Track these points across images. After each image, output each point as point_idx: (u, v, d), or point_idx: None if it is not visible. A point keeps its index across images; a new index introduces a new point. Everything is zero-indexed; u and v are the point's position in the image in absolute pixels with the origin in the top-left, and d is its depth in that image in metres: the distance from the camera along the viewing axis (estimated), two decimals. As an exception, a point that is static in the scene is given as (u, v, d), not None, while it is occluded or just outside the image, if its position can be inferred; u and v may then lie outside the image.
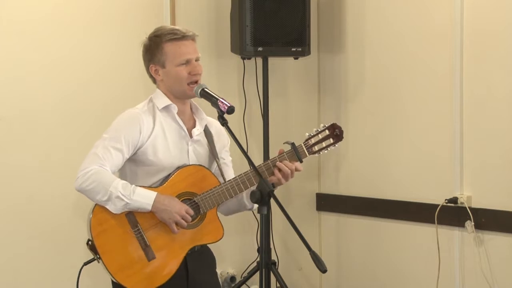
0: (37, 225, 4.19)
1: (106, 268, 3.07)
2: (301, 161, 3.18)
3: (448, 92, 4.33)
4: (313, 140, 3.19)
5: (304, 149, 3.17)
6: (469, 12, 4.22)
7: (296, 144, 3.17)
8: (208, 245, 3.29)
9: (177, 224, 3.08)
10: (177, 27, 3.24)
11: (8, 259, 4.13)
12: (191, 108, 3.29)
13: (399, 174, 4.65)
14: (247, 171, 3.12)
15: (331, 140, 3.21)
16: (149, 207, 3.07)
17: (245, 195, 3.22)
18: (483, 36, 4.18)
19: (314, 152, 3.20)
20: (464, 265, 4.31)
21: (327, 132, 3.21)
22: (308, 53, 4.69)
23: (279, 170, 3.13)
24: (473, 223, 4.19)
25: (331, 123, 3.23)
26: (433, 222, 4.33)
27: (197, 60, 3.20)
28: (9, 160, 4.13)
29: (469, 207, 4.21)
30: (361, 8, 4.84)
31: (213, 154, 3.25)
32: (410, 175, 4.59)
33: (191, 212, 3.10)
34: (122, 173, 3.22)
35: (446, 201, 4.29)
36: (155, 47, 3.20)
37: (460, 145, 4.28)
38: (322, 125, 3.22)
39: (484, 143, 4.19)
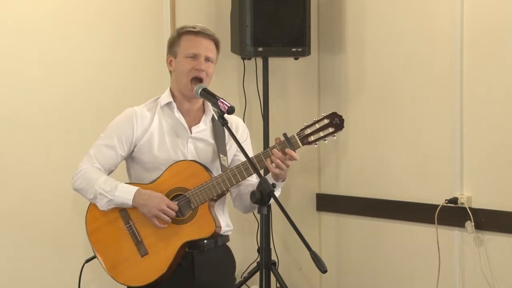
0: (36, 225, 4.19)
1: (101, 264, 3.14)
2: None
3: (448, 92, 4.33)
4: (308, 130, 3.07)
5: (297, 139, 3.07)
6: (469, 12, 4.22)
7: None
8: (226, 244, 3.30)
9: (159, 218, 3.09)
10: (200, 24, 3.27)
11: (7, 258, 4.13)
12: (203, 107, 3.30)
13: (399, 174, 4.65)
14: (239, 164, 3.12)
15: (330, 130, 3.08)
16: (130, 202, 3.11)
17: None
18: (483, 36, 4.18)
19: (310, 142, 3.08)
20: (464, 265, 4.31)
21: (325, 121, 3.08)
22: (308, 53, 4.69)
23: (271, 161, 3.07)
24: (473, 224, 4.19)
25: (331, 112, 3.12)
26: (433, 222, 4.33)
27: (208, 59, 3.21)
28: (9, 160, 4.13)
29: (469, 208, 4.21)
30: (361, 8, 4.84)
31: (218, 151, 3.24)
32: (410, 175, 4.59)
33: (174, 206, 3.09)
34: (128, 173, 3.29)
35: (446, 201, 4.29)
36: (175, 38, 3.26)
37: (460, 145, 4.28)
38: (322, 114, 3.11)
39: (484, 143, 4.19)
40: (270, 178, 3.14)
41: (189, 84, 3.18)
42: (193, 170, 3.15)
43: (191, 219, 3.13)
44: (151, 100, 3.30)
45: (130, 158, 3.24)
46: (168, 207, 3.09)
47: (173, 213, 3.09)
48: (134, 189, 3.12)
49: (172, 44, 3.26)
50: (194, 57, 3.19)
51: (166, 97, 3.26)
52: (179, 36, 3.24)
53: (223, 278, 3.31)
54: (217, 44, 3.27)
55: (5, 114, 4.12)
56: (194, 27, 3.23)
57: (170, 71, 3.30)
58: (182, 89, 3.22)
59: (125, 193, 3.11)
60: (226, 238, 3.29)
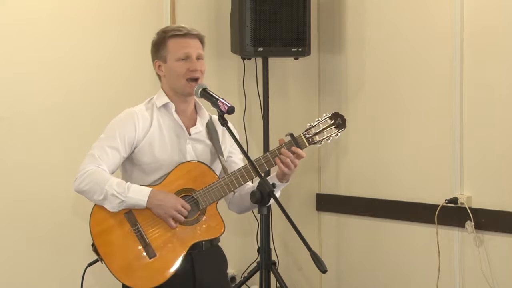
0: (37, 225, 4.19)
1: (108, 268, 3.09)
2: None
3: (448, 92, 4.33)
4: (313, 130, 3.14)
5: (304, 139, 3.13)
6: (469, 12, 4.22)
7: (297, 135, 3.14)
8: (218, 244, 3.30)
9: (174, 219, 3.08)
10: (184, 25, 3.26)
11: (7, 258, 4.13)
12: (195, 107, 3.30)
13: (399, 174, 4.65)
14: (246, 165, 3.13)
15: (333, 129, 3.16)
16: (144, 203, 3.08)
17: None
18: (483, 36, 4.18)
19: (316, 142, 3.15)
20: (464, 265, 4.31)
21: (329, 121, 3.16)
22: (308, 53, 4.69)
23: (280, 160, 3.10)
24: (473, 223, 4.19)
25: (334, 112, 3.18)
26: (433, 222, 4.33)
27: (199, 57, 3.21)
28: (9, 160, 4.13)
29: (469, 207, 4.21)
30: (361, 8, 4.84)
31: (216, 151, 3.24)
32: (410, 175, 4.59)
33: (188, 206, 3.09)
34: (124, 174, 3.26)
35: (446, 201, 4.29)
36: (160, 43, 3.24)
37: (460, 145, 4.28)
38: (324, 114, 3.17)
39: (484, 143, 4.19)
40: (273, 179, 3.16)
41: (188, 84, 3.18)
42: (200, 171, 3.16)
43: (199, 220, 3.14)
44: (146, 101, 3.29)
45: (127, 160, 3.21)
46: (183, 207, 3.09)
47: (186, 213, 3.09)
48: (148, 190, 3.09)
49: (159, 49, 3.24)
50: (186, 58, 3.19)
51: (162, 98, 3.25)
52: (165, 40, 3.22)
53: (220, 277, 3.32)
54: (202, 41, 3.27)
55: (5, 114, 4.12)
56: (179, 29, 3.21)
57: (159, 75, 3.28)
58: (180, 90, 3.21)
59: (139, 194, 3.08)
60: (218, 238, 3.30)
